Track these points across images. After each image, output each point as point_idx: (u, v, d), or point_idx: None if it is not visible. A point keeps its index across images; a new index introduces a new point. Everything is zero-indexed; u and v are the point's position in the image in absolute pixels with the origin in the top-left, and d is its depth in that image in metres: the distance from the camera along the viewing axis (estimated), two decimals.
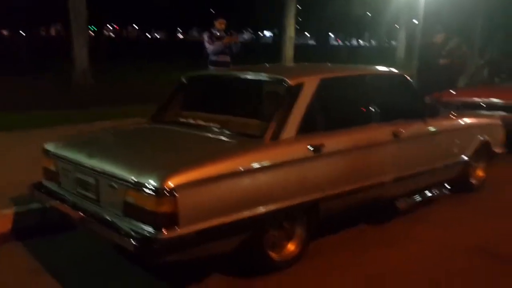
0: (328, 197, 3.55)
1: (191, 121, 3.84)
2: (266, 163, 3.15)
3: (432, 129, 4.43)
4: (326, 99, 3.70)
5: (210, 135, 3.53)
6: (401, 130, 4.08)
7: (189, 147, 3.36)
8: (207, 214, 2.86)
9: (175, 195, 2.69)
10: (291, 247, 3.47)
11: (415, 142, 4.28)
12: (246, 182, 3.05)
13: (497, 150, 5.43)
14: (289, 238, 3.48)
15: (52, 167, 3.58)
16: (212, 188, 2.89)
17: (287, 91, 3.48)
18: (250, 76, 3.91)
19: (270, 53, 21.50)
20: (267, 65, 4.40)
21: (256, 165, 3.10)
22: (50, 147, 3.65)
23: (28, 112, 8.30)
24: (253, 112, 3.60)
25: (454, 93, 7.82)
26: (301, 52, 19.24)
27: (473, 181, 5.21)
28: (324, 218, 3.65)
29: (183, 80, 4.31)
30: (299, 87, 3.50)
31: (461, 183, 5.09)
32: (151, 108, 4.42)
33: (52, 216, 3.79)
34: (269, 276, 3.29)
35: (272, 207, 3.17)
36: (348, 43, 63.36)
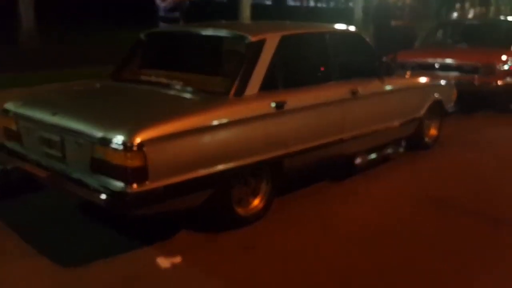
0: (291, 153, 3.66)
1: (153, 79, 3.82)
2: (231, 119, 3.21)
3: (388, 87, 4.60)
4: (287, 56, 3.76)
5: (173, 92, 3.54)
6: (358, 88, 4.22)
7: (154, 104, 3.37)
8: (175, 169, 2.92)
9: (143, 150, 2.72)
10: (256, 202, 3.59)
11: (372, 100, 4.43)
12: (212, 138, 3.11)
13: (449, 108, 5.69)
14: (254, 194, 3.59)
15: (13, 127, 3.52)
16: (179, 144, 2.94)
17: (250, 47, 3.51)
18: (211, 33, 3.91)
19: (224, 12, 21.06)
20: (227, 22, 4.39)
21: (222, 121, 3.15)
22: (10, 106, 3.57)
23: None
24: (216, 69, 3.63)
25: (408, 54, 8.05)
26: (257, 12, 19.01)
27: (427, 139, 5.46)
28: (288, 174, 3.77)
29: (142, 37, 4.25)
30: (261, 44, 3.54)
31: (416, 141, 5.33)
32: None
33: (14, 177, 3.75)
34: (235, 230, 3.41)
35: (238, 163, 3.26)
36: (305, 4, 62.81)
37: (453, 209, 3.90)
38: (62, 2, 16.53)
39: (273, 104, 3.46)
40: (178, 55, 4.04)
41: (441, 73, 7.24)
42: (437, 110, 5.50)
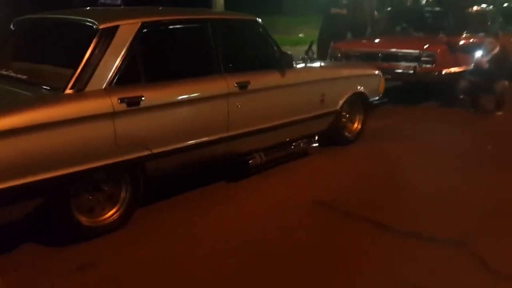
0: (155, 155, 3.25)
1: (4, 72, 3.40)
2: (60, 118, 2.76)
3: (288, 79, 4.15)
4: (151, 46, 3.33)
5: (11, 88, 3.12)
6: (249, 81, 3.79)
7: None
8: None
9: None
10: (112, 211, 3.17)
11: (267, 94, 4.00)
12: (32, 141, 2.66)
13: (374, 101, 5.26)
14: (110, 201, 3.18)
15: None
16: None
17: (97, 36, 3.06)
18: (63, 19, 3.47)
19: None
20: (93, 8, 3.93)
21: (46, 121, 2.70)
22: None
23: None
24: (60, 61, 3.18)
25: (352, 43, 7.64)
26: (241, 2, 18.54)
27: (347, 133, 5.04)
28: (155, 177, 3.36)
29: (12, 26, 3.81)
30: (111, 32, 3.10)
31: (333, 135, 4.92)
32: None
33: None
34: (81, 243, 2.98)
35: (73, 168, 2.84)
36: None
37: (340, 214, 3.49)
38: None
39: (121, 101, 3.02)
40: (33, 45, 3.60)
41: (384, 63, 6.86)
42: (359, 102, 5.09)
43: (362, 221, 3.37)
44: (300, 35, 9.65)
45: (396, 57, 6.90)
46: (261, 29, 4.11)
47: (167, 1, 7.57)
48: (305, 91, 4.36)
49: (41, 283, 2.62)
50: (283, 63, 4.15)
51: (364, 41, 7.70)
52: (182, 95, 3.39)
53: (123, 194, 3.22)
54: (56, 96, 2.90)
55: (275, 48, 4.16)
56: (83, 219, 3.03)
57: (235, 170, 4.05)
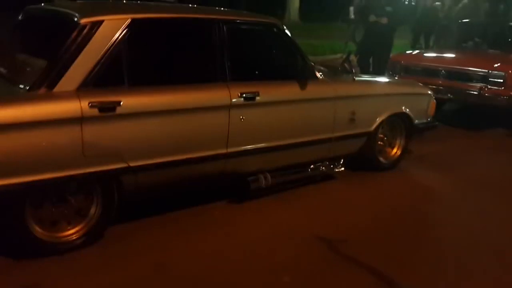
0: (133, 168, 2.89)
1: None
2: (17, 121, 2.47)
3: (308, 93, 3.62)
4: (141, 47, 2.97)
5: None
6: (258, 91, 3.33)
7: None
8: None
9: None
10: (77, 227, 2.84)
11: (279, 108, 3.51)
12: None
13: (421, 124, 4.58)
14: (78, 216, 2.86)
15: None
16: None
17: (76, 31, 2.74)
18: (52, 11, 3.17)
19: None
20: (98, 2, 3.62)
21: (5, 122, 2.43)
22: None
23: None
24: (39, 57, 2.91)
25: (415, 56, 6.90)
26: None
27: (382, 159, 4.41)
28: (135, 194, 3.00)
29: (19, 17, 3.62)
30: (92, 28, 2.76)
31: (366, 160, 4.32)
32: None
33: None
34: (40, 259, 2.68)
35: (28, 177, 2.54)
36: None
37: (343, 258, 2.92)
38: None
39: (95, 106, 2.68)
40: (24, 37, 3.37)
41: (446, 81, 6.12)
42: (401, 125, 4.45)
43: (366, 272, 2.79)
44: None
45: (460, 75, 6.11)
46: (281, 34, 3.62)
47: None
48: (328, 107, 3.81)
49: None
50: (305, 74, 3.64)
51: (427, 54, 6.93)
52: (170, 103, 2.98)
53: (92, 210, 2.89)
54: (19, 95, 2.62)
55: (297, 56, 3.66)
56: (41, 233, 2.72)
57: (239, 191, 3.61)
